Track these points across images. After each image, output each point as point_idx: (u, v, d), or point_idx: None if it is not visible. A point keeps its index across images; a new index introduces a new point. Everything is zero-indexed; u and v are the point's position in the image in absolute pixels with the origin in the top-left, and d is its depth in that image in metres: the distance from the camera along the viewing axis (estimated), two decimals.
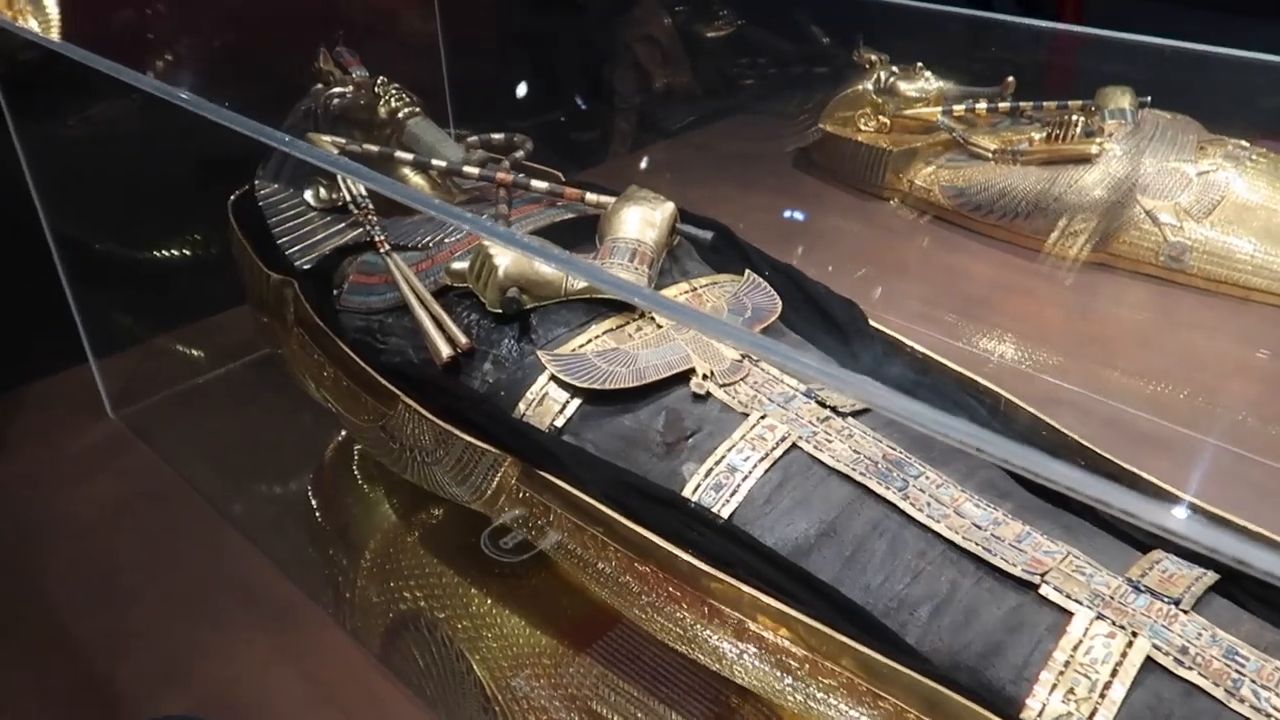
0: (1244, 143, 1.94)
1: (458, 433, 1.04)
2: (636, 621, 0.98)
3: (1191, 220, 1.85)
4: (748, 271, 1.24)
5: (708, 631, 0.92)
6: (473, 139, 1.44)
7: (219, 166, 1.71)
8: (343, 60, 1.47)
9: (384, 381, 1.11)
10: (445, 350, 1.10)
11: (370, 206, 1.27)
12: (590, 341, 1.09)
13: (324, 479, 1.51)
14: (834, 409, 1.04)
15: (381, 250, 1.22)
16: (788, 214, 2.26)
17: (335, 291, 1.29)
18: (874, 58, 2.34)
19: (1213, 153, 1.93)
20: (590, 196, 1.24)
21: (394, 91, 1.37)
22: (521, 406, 1.07)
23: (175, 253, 1.86)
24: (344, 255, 1.32)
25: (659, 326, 1.12)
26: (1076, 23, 3.13)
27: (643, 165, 2.56)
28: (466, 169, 1.27)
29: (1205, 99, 2.01)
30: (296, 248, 1.36)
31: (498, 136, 1.46)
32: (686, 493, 0.98)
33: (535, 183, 1.26)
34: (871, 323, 1.24)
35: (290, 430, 1.57)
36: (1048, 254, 1.97)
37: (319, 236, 1.37)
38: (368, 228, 1.25)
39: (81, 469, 1.50)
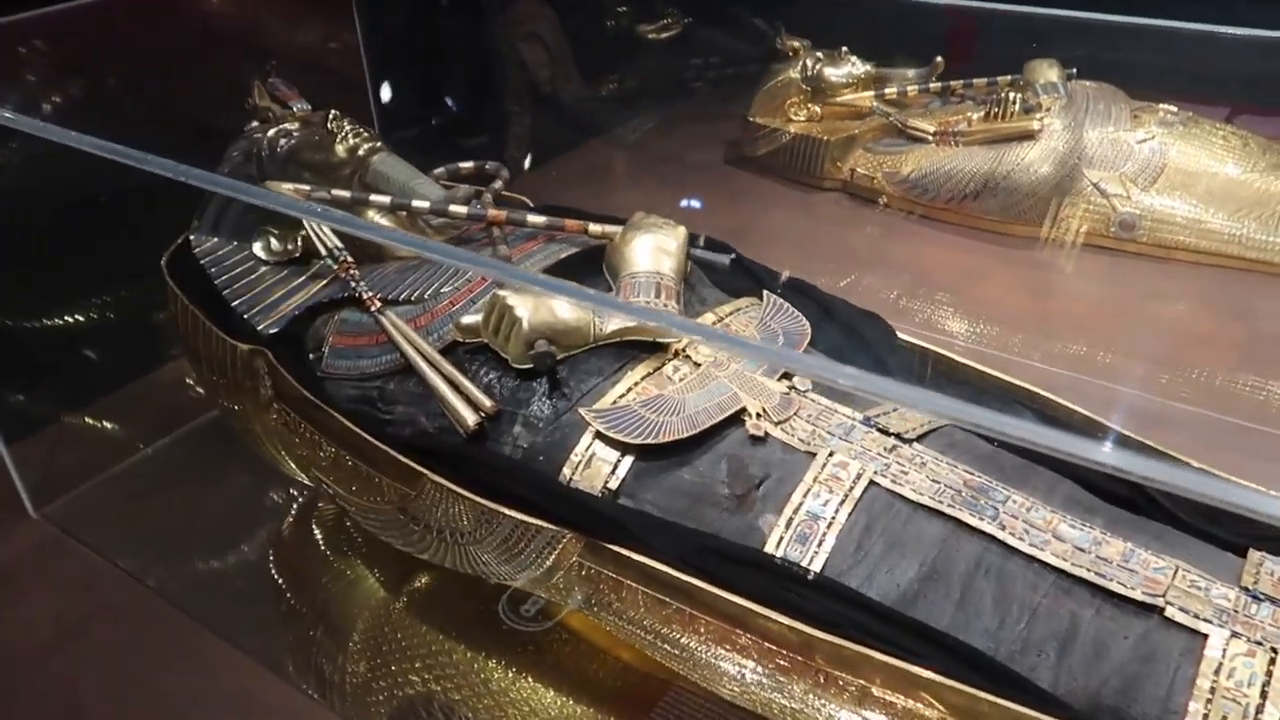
0: (1172, 108, 1.98)
1: (505, 510, 0.93)
2: (733, 699, 0.90)
3: (1137, 189, 1.87)
4: (765, 293, 1.17)
5: (820, 701, 0.85)
6: (439, 170, 1.32)
7: (133, 215, 1.54)
8: (279, 93, 1.32)
9: (404, 459, 0.99)
10: (470, 417, 0.99)
11: (350, 259, 1.14)
12: (629, 391, 1.00)
13: (286, 556, 1.36)
14: (898, 436, 0.98)
15: (372, 308, 1.09)
16: (725, 214, 2.19)
17: (312, 356, 1.16)
18: (796, 44, 2.30)
19: (1146, 121, 1.96)
20: (594, 227, 1.15)
21: (349, 126, 1.23)
22: (566, 471, 0.97)
23: (88, 316, 1.66)
24: (314, 314, 1.18)
25: (696, 365, 1.04)
26: None
27: (555, 172, 2.45)
28: (453, 209, 1.15)
29: (1104, 66, 2.06)
30: (254, 310, 1.21)
31: (466, 166, 1.34)
32: (770, 549, 0.90)
33: (531, 217, 1.15)
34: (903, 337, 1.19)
35: (244, 504, 1.42)
36: (1001, 234, 1.97)
37: (277, 295, 1.23)
38: (350, 281, 1.12)
39: (12, 587, 1.29)
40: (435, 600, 1.23)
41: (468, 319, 1.04)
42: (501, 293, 1.02)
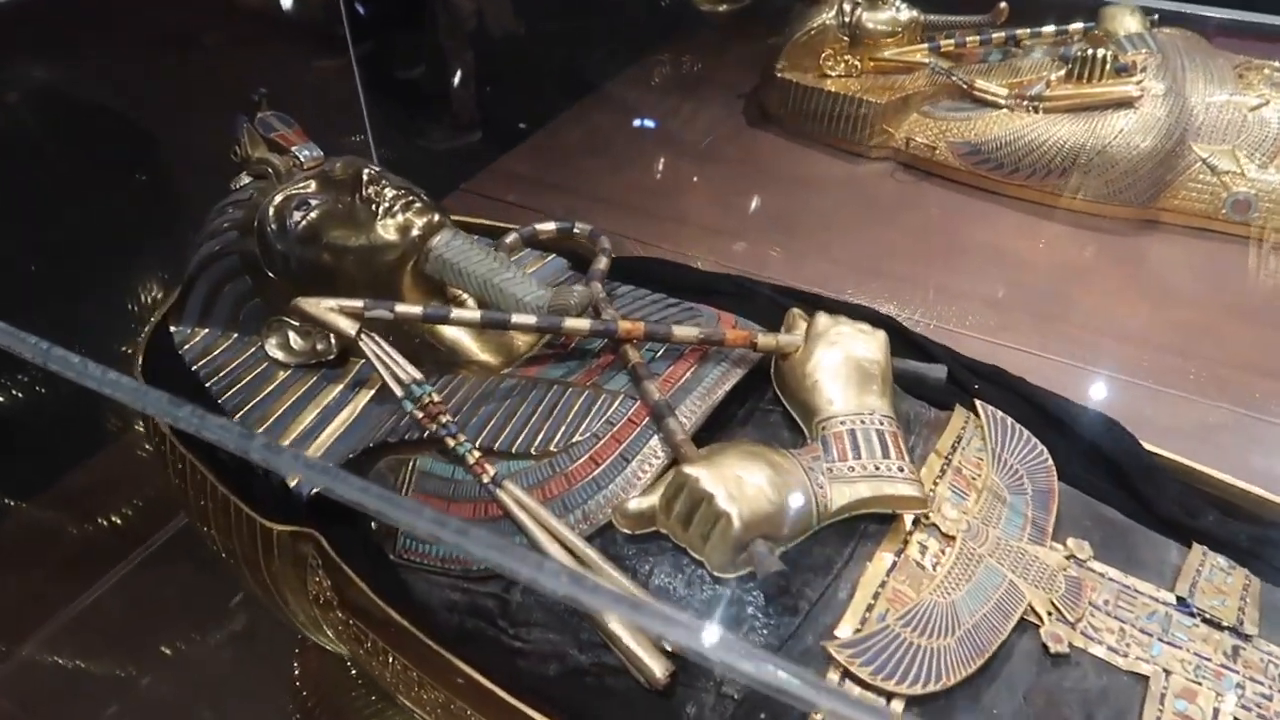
0: (1278, 64, 1.73)
1: None
2: None
3: (1254, 165, 1.63)
4: (983, 408, 0.88)
5: None
6: (510, 238, 0.97)
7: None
8: (275, 134, 0.95)
9: None
10: (659, 667, 0.69)
11: (435, 398, 0.80)
12: (878, 596, 0.72)
13: None
14: (1233, 629, 0.73)
15: (483, 477, 0.76)
16: (765, 194, 1.88)
17: (376, 525, 0.83)
18: None
19: (1254, 81, 1.71)
20: (763, 339, 0.83)
21: (393, 191, 0.87)
22: None
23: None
24: (374, 457, 0.85)
25: (947, 537, 0.76)
26: None
27: (533, 155, 2.08)
28: (570, 324, 0.82)
29: None
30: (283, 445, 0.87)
31: (546, 229, 1.00)
32: None
33: (679, 329, 0.82)
34: (1145, 445, 0.92)
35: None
36: (1092, 215, 1.70)
37: (309, 418, 0.89)
38: (441, 432, 0.79)
39: None
40: None
41: (635, 504, 0.73)
42: (691, 470, 0.71)
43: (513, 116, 2.10)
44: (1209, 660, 0.71)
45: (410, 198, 0.88)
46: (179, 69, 1.33)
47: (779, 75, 1.98)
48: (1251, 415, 1.31)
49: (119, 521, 1.27)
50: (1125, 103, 1.67)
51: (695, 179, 1.94)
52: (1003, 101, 1.78)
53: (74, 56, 1.19)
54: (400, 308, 0.82)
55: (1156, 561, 0.79)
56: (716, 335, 0.83)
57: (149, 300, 1.32)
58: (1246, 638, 0.73)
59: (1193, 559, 0.79)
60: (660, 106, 2.17)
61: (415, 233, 0.87)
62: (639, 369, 0.81)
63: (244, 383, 0.92)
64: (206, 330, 0.95)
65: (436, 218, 0.88)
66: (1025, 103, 1.75)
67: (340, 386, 0.91)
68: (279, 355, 0.92)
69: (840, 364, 0.81)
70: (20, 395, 1.30)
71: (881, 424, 0.78)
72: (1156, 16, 1.82)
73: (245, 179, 0.95)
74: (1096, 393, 1.32)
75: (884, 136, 1.89)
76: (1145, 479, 0.88)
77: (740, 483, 0.70)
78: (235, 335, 0.95)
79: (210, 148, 0.98)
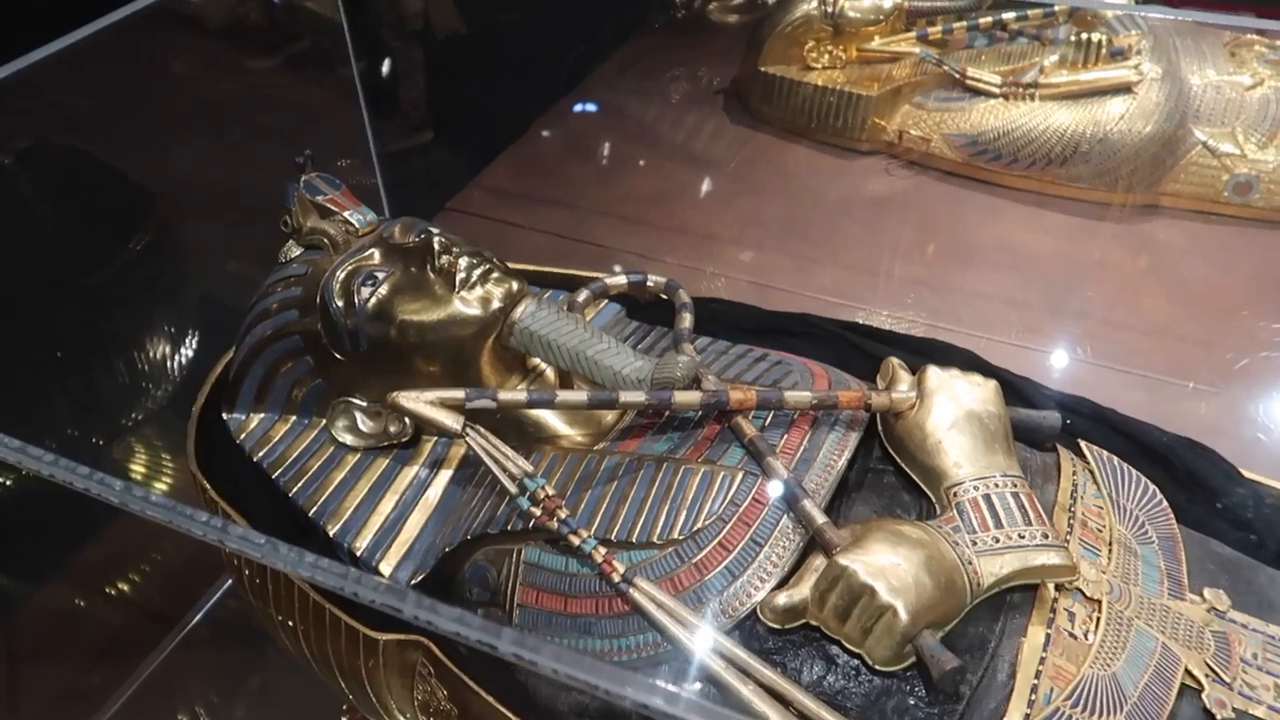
0: (1273, 43, 1.74)
1: None
2: None
3: (1254, 146, 1.64)
4: (1088, 451, 0.86)
5: None
6: (584, 295, 0.91)
7: None
8: (324, 198, 0.87)
9: None
10: None
11: (549, 491, 0.74)
12: (1039, 674, 0.69)
13: None
14: None
15: (615, 578, 0.71)
16: (766, 196, 1.83)
17: (481, 612, 0.78)
18: None
19: (1247, 59, 1.71)
20: (877, 399, 0.79)
21: (467, 260, 0.81)
22: None
23: None
24: (472, 546, 0.80)
25: (1093, 601, 0.74)
26: None
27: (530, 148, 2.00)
28: (679, 398, 0.77)
29: None
30: (355, 534, 0.82)
31: (618, 282, 0.94)
32: None
33: (790, 394, 0.78)
34: (1244, 472, 0.91)
35: None
36: (1097, 204, 1.70)
37: (388, 508, 0.83)
38: (566, 533, 0.73)
39: None
40: None
41: (786, 598, 0.69)
42: (846, 562, 0.68)
43: (488, 122, 2.01)
44: None
45: (488, 266, 0.82)
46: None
47: (762, 70, 1.93)
48: None
49: (144, 601, 1.20)
50: (1123, 87, 1.67)
51: (688, 183, 1.89)
52: (997, 90, 1.76)
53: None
54: (504, 395, 0.76)
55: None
56: (830, 399, 0.79)
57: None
58: None
59: None
60: (638, 106, 2.10)
61: (496, 304, 0.81)
62: (758, 443, 0.76)
63: (312, 471, 0.85)
64: (263, 415, 0.88)
65: (517, 286, 0.82)
66: (1020, 90, 1.74)
67: (416, 468, 0.85)
68: (348, 439, 0.86)
69: (962, 421, 0.78)
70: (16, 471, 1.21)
71: (1016, 486, 0.75)
72: None
73: (294, 249, 0.88)
74: (1137, 399, 1.31)
75: (875, 130, 1.85)
76: (1252, 508, 0.87)
77: (899, 572, 0.67)
78: (294, 418, 0.88)
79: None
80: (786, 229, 1.73)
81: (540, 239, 1.72)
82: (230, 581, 1.12)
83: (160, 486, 1.30)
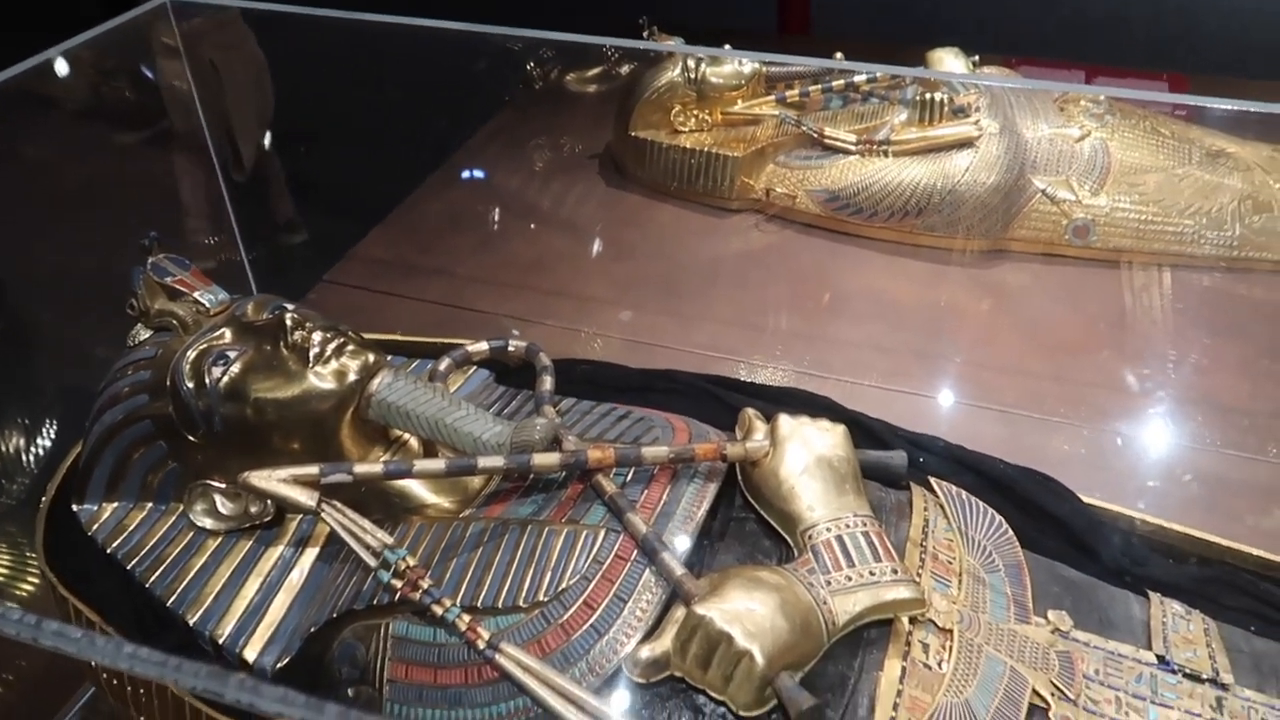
0: (1097, 98, 1.88)
1: None
2: None
3: (1087, 192, 1.76)
4: (938, 487, 0.90)
5: None
6: (445, 364, 0.92)
7: None
8: (172, 279, 0.87)
9: None
10: None
11: (411, 562, 0.75)
12: (897, 707, 0.72)
13: None
14: (1212, 679, 0.78)
15: (479, 645, 0.72)
16: (643, 255, 1.88)
17: (352, 692, 0.77)
18: (672, 41, 2.00)
19: (1074, 113, 1.85)
20: (732, 449, 0.82)
21: (321, 335, 0.82)
22: None
23: None
24: (338, 626, 0.79)
25: (944, 631, 0.77)
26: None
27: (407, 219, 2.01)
28: (538, 461, 0.78)
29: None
30: (228, 627, 0.80)
31: (479, 349, 0.95)
32: None
33: (648, 450, 0.80)
34: (1085, 499, 0.97)
35: None
36: (951, 250, 1.80)
37: (252, 592, 0.82)
38: (429, 603, 0.73)
39: None
40: None
41: (648, 652, 0.70)
42: (702, 610, 0.69)
43: (361, 196, 2.01)
44: (1199, 717, 0.75)
45: (342, 339, 0.82)
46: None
47: (633, 135, 1.99)
48: (1135, 430, 1.41)
49: (5, 712, 1.13)
50: (966, 142, 1.77)
51: (564, 247, 1.92)
52: (853, 148, 1.85)
53: None
54: (360, 468, 0.76)
55: (1125, 619, 0.83)
56: (687, 452, 0.81)
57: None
58: (1225, 687, 0.77)
59: (1155, 611, 0.83)
60: (512, 175, 2.14)
61: (352, 378, 0.81)
62: (618, 500, 0.78)
63: (170, 559, 0.84)
64: (117, 504, 0.86)
65: (373, 358, 0.82)
66: (874, 147, 1.83)
67: (280, 547, 0.85)
68: (207, 523, 0.84)
69: (813, 466, 0.81)
70: None
71: (866, 525, 0.78)
72: (977, 58, 1.94)
73: (142, 332, 0.87)
74: (998, 433, 1.38)
75: (744, 188, 1.93)
76: (1089, 532, 0.92)
77: (755, 617, 0.69)
78: (150, 506, 0.86)
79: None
80: (663, 287, 1.77)
81: (421, 308, 1.72)
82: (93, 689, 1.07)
83: (26, 586, 1.25)
